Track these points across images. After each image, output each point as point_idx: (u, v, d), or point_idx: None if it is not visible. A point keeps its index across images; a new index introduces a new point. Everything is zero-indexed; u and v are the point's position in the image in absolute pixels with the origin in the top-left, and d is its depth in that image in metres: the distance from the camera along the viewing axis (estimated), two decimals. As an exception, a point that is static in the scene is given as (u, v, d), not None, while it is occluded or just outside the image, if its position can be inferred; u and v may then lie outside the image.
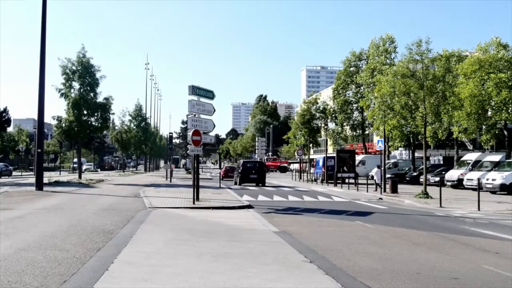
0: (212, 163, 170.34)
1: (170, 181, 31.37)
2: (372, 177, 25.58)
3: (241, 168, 29.10)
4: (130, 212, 12.94)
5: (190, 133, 15.55)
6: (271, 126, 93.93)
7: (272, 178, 43.80)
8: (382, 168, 23.64)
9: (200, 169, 52.94)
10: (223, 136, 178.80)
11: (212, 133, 18.70)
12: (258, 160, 40.56)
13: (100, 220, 11.23)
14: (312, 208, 15.97)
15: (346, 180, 28.56)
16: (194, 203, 15.17)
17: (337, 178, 29.90)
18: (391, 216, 14.25)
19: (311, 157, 56.28)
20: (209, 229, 10.29)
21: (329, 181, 31.39)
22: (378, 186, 24.62)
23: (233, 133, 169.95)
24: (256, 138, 67.75)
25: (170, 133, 37.97)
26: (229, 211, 14.10)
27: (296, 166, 66.15)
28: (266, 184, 28.41)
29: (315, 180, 34.88)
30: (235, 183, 23.93)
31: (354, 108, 43.73)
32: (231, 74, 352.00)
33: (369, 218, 13.14)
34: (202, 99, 16.43)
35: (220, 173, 36.55)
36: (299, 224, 11.53)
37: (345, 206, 16.74)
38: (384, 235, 10.03)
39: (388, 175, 29.14)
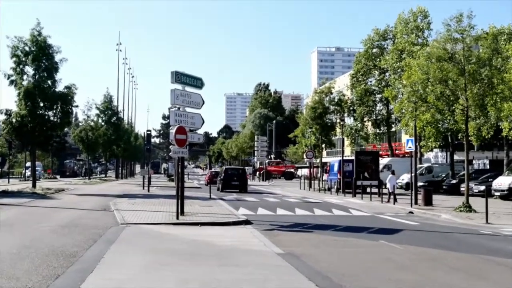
0: (201, 167, 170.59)
1: (148, 190, 31.40)
2: (385, 185, 25.74)
3: (223, 174, 35.49)
4: (98, 230, 12.94)
5: (173, 130, 15.54)
6: (274, 122, 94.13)
7: (275, 187, 43.81)
8: (413, 174, 23.68)
9: (185, 176, 51.71)
10: (214, 134, 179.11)
11: (201, 131, 18.69)
12: (241, 167, 46.86)
13: (59, 239, 11.22)
14: (325, 224, 15.99)
15: (368, 189, 28.63)
16: (178, 218, 15.17)
17: (356, 187, 29.91)
18: (423, 234, 14.24)
19: (323, 160, 56.39)
20: (196, 250, 10.30)
21: (346, 191, 31.44)
22: (390, 197, 24.91)
23: (227, 131, 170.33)
24: (256, 137, 67.81)
25: (148, 130, 37.96)
26: (222, 228, 14.11)
27: (305, 171, 66.43)
28: (247, 191, 33.84)
29: (329, 189, 34.92)
30: (218, 189, 27.95)
31: (377, 99, 43.76)
32: (224, 59, 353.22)
33: (396, 237, 13.15)
34: (188, 89, 16.43)
35: (205, 178, 38.80)
36: (308, 244, 11.56)
37: (366, 222, 16.77)
38: (414, 258, 10.05)
39: (420, 183, 29.21)
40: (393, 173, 26.59)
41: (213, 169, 62.04)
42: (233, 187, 34.14)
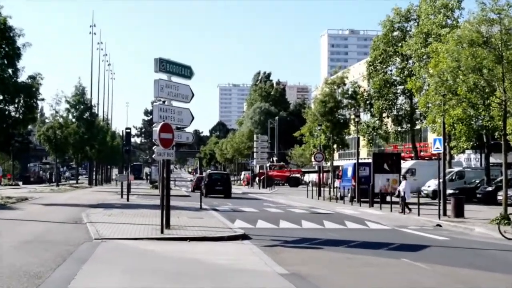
0: (190, 172, 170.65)
1: (128, 199, 31.39)
2: (398, 194, 25.86)
3: (207, 179, 40.52)
4: (68, 246, 12.91)
5: (157, 128, 15.53)
6: (277, 118, 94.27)
7: (278, 195, 43.82)
8: (441, 180, 23.68)
9: (172, 182, 51.72)
10: (206, 133, 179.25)
11: (190, 129, 18.68)
12: (224, 172, 51.37)
13: (22, 258, 11.20)
14: (337, 239, 15.98)
15: (388, 198, 28.62)
16: (162, 231, 15.16)
17: (374, 195, 29.91)
18: (453, 251, 14.24)
19: (335, 163, 56.47)
20: (184, 270, 10.27)
21: (362, 200, 31.45)
22: (406, 207, 25.11)
23: (221, 129, 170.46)
24: (255, 136, 67.75)
25: (127, 128, 37.84)
26: (215, 244, 14.10)
27: (313, 177, 66.45)
28: (232, 196, 38.55)
29: (341, 198, 34.92)
30: (202, 194, 30.89)
31: (398, 91, 43.80)
32: (218, 44, 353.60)
33: (421, 255, 13.13)
34: (175, 79, 16.42)
35: (191, 184, 42.00)
36: (317, 263, 11.55)
37: (386, 237, 16.77)
38: (443, 280, 10.03)
39: (449, 191, 29.21)
40: (404, 178, 26.67)
41: (199, 174, 62.63)
42: (216, 192, 38.87)
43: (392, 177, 31.50)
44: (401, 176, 27.62)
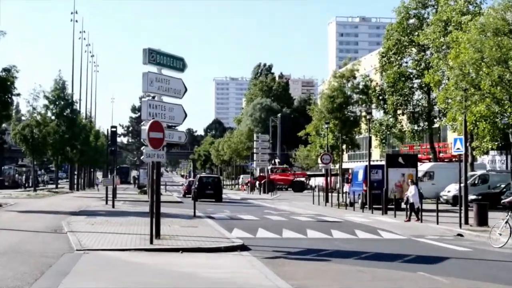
0: (183, 175, 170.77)
1: (113, 205, 31.38)
2: (407, 200, 25.87)
3: (197, 183, 43.14)
4: (47, 258, 12.90)
5: (145, 127, 15.52)
6: (279, 115, 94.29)
7: (281, 201, 43.81)
8: (463, 185, 23.66)
9: (162, 186, 51.66)
10: (200, 132, 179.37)
11: (183, 127, 18.66)
12: (215, 175, 54.54)
13: (-4, 270, 11.19)
14: (347, 250, 15.98)
15: (403, 205, 28.58)
16: (152, 242, 15.15)
17: (387, 201, 29.91)
18: (476, 263, 14.23)
19: (344, 166, 56.41)
20: (176, 285, 10.24)
21: (374, 207, 31.44)
22: (415, 214, 25.21)
23: (217, 127, 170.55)
24: (255, 135, 67.82)
25: (112, 127, 37.85)
26: (210, 256, 14.08)
27: (320, 181, 66.31)
28: (230, 202, 38.39)
29: (351, 204, 34.92)
30: (192, 199, 32.64)
31: (415, 85, 43.84)
32: (214, 34, 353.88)
33: (440, 268, 13.13)
34: (166, 71, 16.42)
35: (183, 188, 44.45)
36: (324, 277, 11.54)
37: (401, 248, 16.77)
38: (465, 296, 10.02)
39: (472, 196, 29.16)
40: (413, 182, 26.68)
41: (191, 178, 63.36)
42: (207, 196, 41.31)
43: (408, 171, 31.49)
44: (409, 181, 27.57)
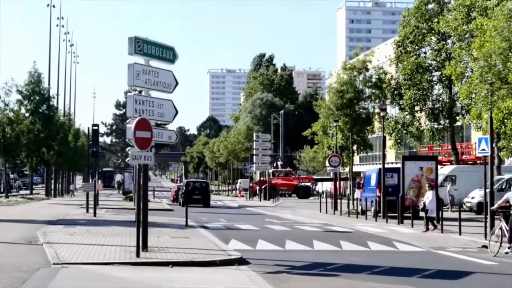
0: (173, 180, 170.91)
1: (95, 213, 31.37)
2: (424, 206, 25.85)
3: (184, 188, 47.37)
4: (19, 273, 12.88)
5: (131, 125, 15.51)
6: (282, 112, 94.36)
7: (284, 209, 43.83)
8: (488, 190, 23.65)
9: (150, 192, 52.06)
10: (193, 131, 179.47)
11: (173, 126, 18.65)
12: (203, 180, 58.98)
13: (-38, 287, 11.20)
14: (358, 264, 15.99)
15: (421, 213, 28.57)
16: (138, 255, 15.15)
17: (404, 209, 29.92)
18: (503, 279, 14.24)
19: (355, 169, 56.41)
20: (166, 303, 10.27)
21: (389, 215, 31.43)
22: (431, 222, 25.31)
23: (212, 126, 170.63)
24: (254, 135, 67.81)
25: (94, 125, 37.84)
26: (204, 270, 14.07)
27: (328, 186, 66.22)
28: (227, 210, 39.99)
29: (363, 212, 34.92)
30: (180, 204, 38.08)
31: (434, 78, 43.82)
32: (208, 21, 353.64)
33: (463, 284, 13.16)
34: (155, 63, 16.42)
35: (171, 194, 48.73)
36: (333, 295, 11.54)
37: (419, 261, 16.77)
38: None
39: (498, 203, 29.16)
40: (431, 187, 26.70)
41: (187, 180, 64.92)
42: (195, 201, 44.34)
43: (427, 165, 31.50)
44: (427, 185, 27.54)
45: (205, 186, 49.13)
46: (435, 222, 25.58)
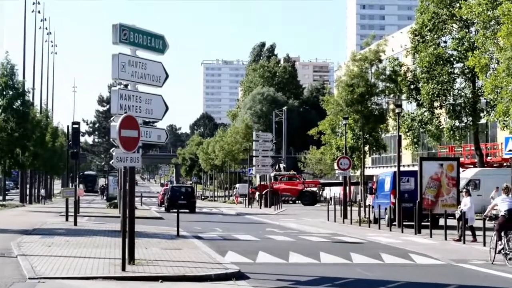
0: (163, 184, 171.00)
1: (75, 222, 31.33)
2: (462, 215, 25.73)
3: (170, 193, 53.22)
4: (-9, 289, 12.92)
5: (116, 123, 15.50)
6: (285, 108, 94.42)
7: (287, 217, 43.84)
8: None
9: (138, 198, 52.57)
10: (186, 129, 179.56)
11: (163, 124, 18.64)
12: (188, 185, 66.49)
13: None
14: (370, 278, 15.99)
15: (441, 221, 28.51)
16: (124, 268, 15.14)
17: (422, 217, 29.90)
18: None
19: (367, 172, 56.34)
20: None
21: (405, 223, 31.43)
22: (472, 233, 25.28)
23: (206, 124, 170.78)
24: (254, 134, 67.76)
25: (74, 123, 37.80)
26: (197, 286, 14.05)
27: (337, 191, 66.13)
28: (223, 218, 42.53)
29: (376, 220, 34.90)
30: (165, 209, 43.71)
31: (456, 71, 43.83)
32: (203, 9, 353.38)
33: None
34: (142, 53, 16.42)
35: (158, 198, 56.94)
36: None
37: (438, 275, 16.75)
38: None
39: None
40: (468, 193, 26.59)
41: (172, 185, 68.45)
42: (180, 206, 49.22)
43: (447, 162, 31.42)
44: (464, 191, 27.44)
45: (190, 191, 54.89)
46: (471, 231, 25.44)
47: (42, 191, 74.08)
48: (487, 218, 21.12)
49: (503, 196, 20.12)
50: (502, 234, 18.97)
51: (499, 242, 19.07)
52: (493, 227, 20.29)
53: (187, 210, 48.18)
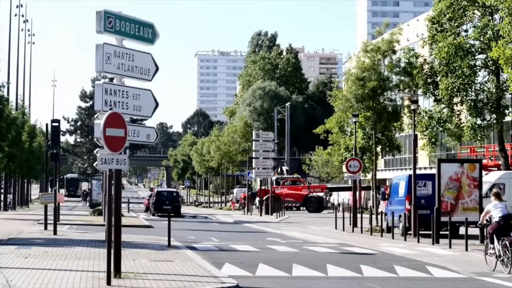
0: (152, 189, 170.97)
1: (55, 231, 31.33)
2: (487, 224, 25.70)
3: (155, 197, 59.71)
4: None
5: (100, 121, 15.51)
6: (288, 104, 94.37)
7: (290, 225, 43.86)
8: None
9: (125, 204, 53.12)
10: (178, 128, 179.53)
11: (152, 122, 18.67)
12: (174, 189, 71.60)
13: None
14: (383, 294, 15.98)
15: (461, 230, 28.47)
16: (109, 282, 15.14)
17: (440, 225, 29.89)
18: None
19: (379, 176, 56.28)
20: None
21: (422, 232, 31.44)
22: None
23: (201, 122, 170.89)
24: (254, 133, 67.72)
25: (54, 121, 37.83)
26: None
27: (345, 196, 66.03)
28: (220, 226, 42.69)
29: (389, 229, 34.90)
30: (151, 214, 50.05)
31: (478, 63, 43.79)
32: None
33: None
34: (129, 43, 16.43)
35: (144, 203, 65.66)
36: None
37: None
38: None
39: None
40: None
41: (159, 188, 74.51)
42: (165, 211, 52.37)
43: (467, 164, 31.37)
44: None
45: (175, 196, 61.81)
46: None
47: (9, 197, 73.07)
48: (481, 226, 22.85)
49: (494, 202, 21.28)
50: (495, 238, 20.45)
51: (491, 246, 20.73)
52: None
53: (174, 215, 49.42)
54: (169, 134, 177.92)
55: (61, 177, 79.39)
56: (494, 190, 23.12)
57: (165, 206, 55.09)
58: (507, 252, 19.73)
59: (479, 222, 22.76)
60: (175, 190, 73.35)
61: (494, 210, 20.88)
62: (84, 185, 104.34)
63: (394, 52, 46.11)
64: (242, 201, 70.90)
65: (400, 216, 34.36)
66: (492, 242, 20.54)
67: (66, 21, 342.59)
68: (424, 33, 47.61)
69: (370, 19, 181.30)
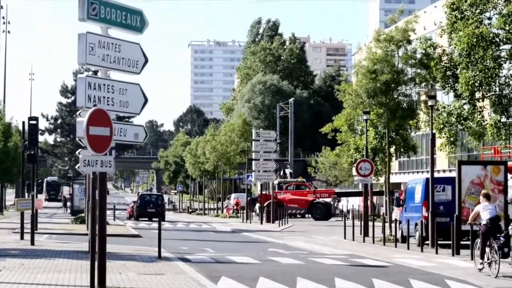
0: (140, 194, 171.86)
1: (32, 241, 31.38)
2: (476, 224, 25.77)
3: (139, 201, 66.01)
4: None
5: (83, 119, 15.52)
6: (292, 100, 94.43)
7: (294, 234, 43.93)
8: None
9: (109, 211, 53.34)
10: (169, 126, 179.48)
11: (141, 120, 18.67)
12: (158, 193, 78.10)
13: None
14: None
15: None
16: (92, 298, 15.16)
17: (460, 235, 29.90)
18: None
19: (393, 179, 56.27)
20: None
21: (440, 242, 31.48)
22: None
23: (195, 120, 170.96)
24: (254, 132, 67.80)
25: (31, 118, 37.87)
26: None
27: (356, 202, 65.99)
28: (217, 236, 43.77)
29: (404, 239, 34.94)
30: (134, 218, 53.50)
31: (502, 54, 43.81)
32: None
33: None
34: (116, 32, 16.45)
35: (128, 211, 72.69)
36: None
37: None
38: None
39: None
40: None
41: (144, 192, 79.40)
42: (149, 214, 62.12)
43: (491, 166, 31.39)
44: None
45: (160, 199, 68.35)
46: None
47: (14, 200, 73.09)
48: (472, 226, 24.26)
49: (484, 203, 22.39)
50: (480, 240, 22.41)
51: (479, 246, 22.63)
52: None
53: (158, 219, 51.45)
54: (159, 133, 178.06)
55: (40, 180, 79.19)
56: (484, 191, 24.28)
57: (149, 209, 61.84)
58: (495, 255, 21.40)
59: (468, 222, 24.22)
60: (159, 193, 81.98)
61: (483, 211, 22.08)
62: (66, 190, 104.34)
63: (409, 42, 46.12)
64: (235, 207, 71.48)
65: (416, 224, 34.41)
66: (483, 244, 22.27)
67: (45, 8, 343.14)
68: (443, 21, 47.63)
69: (383, 6, 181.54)
